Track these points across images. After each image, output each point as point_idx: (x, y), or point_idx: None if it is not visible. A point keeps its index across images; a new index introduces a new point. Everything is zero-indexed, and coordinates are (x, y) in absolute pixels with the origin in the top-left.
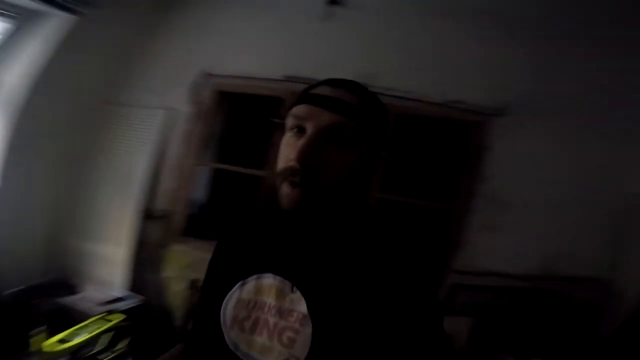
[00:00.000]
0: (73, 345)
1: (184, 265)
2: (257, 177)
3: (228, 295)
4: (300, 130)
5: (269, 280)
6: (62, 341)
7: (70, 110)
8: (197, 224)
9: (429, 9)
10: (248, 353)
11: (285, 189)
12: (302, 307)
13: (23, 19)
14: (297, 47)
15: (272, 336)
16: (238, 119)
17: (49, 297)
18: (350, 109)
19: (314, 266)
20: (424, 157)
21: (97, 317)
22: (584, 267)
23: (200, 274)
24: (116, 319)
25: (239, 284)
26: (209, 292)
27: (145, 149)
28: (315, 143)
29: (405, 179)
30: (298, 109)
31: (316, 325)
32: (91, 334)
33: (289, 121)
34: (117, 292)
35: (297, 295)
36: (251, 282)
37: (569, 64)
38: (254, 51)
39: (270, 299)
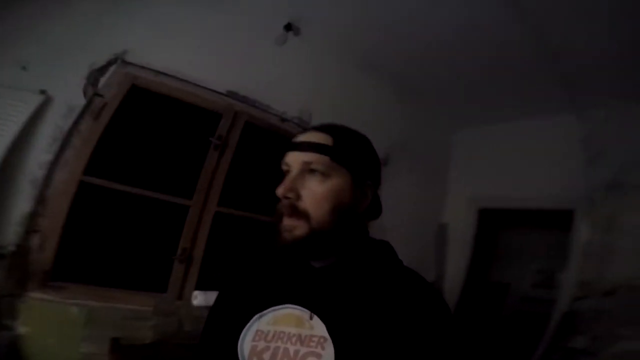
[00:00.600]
0: None
1: (59, 321)
2: (183, 208)
3: (245, 329)
4: (288, 172)
5: (287, 311)
6: None
7: None
8: (72, 264)
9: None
10: None
11: (283, 223)
12: (322, 331)
13: None
14: (246, 64)
15: None
16: (158, 128)
17: None
18: (322, 147)
19: (328, 293)
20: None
21: None
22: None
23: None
24: None
25: (256, 316)
26: (220, 329)
27: None
28: (295, 178)
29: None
30: (286, 157)
31: (337, 346)
32: None
33: (283, 167)
34: None
35: (316, 321)
36: (268, 314)
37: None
38: (197, 51)
39: (289, 328)
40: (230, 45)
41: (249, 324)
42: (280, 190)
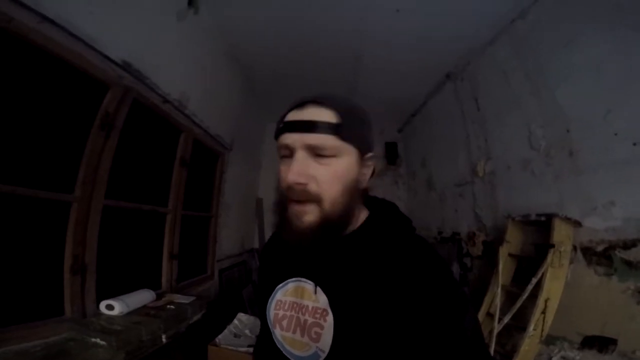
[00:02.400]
0: None
1: None
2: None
3: (270, 299)
4: (290, 154)
5: (299, 284)
6: None
7: None
8: None
9: None
10: (287, 348)
11: (291, 208)
12: (325, 303)
13: None
14: (146, 35)
15: (303, 332)
16: (27, 93)
17: None
18: (328, 126)
19: (331, 268)
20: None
21: None
22: (252, 243)
23: None
24: None
25: (277, 287)
26: (258, 299)
27: None
28: (302, 161)
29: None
30: (284, 138)
31: (336, 317)
32: None
33: (281, 151)
34: None
35: (320, 293)
36: (285, 286)
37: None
38: (93, 3)
39: (300, 300)
40: (134, 11)
41: (272, 295)
42: (291, 177)
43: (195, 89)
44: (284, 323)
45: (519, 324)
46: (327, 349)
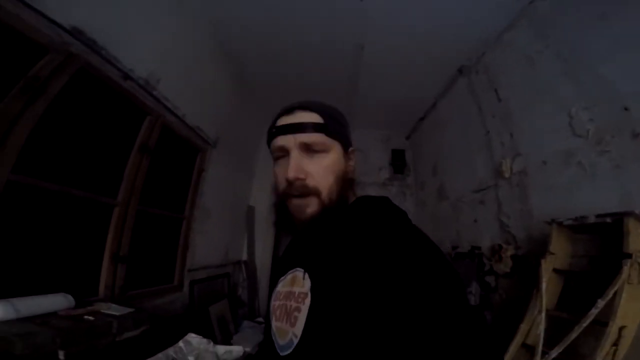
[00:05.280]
0: None
1: None
2: None
3: (274, 291)
4: (284, 155)
5: (295, 273)
6: None
7: None
8: None
9: None
10: (276, 339)
11: (292, 203)
12: (308, 288)
13: None
14: (107, 2)
15: (287, 319)
16: None
17: None
18: (317, 126)
19: (316, 255)
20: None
21: None
22: (238, 254)
23: None
24: None
25: (279, 280)
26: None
27: None
28: (299, 159)
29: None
30: (279, 141)
31: (312, 300)
32: None
33: (275, 153)
34: None
35: (307, 279)
36: (284, 278)
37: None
38: None
39: (292, 288)
40: None
41: (275, 287)
42: (291, 174)
43: (169, 71)
44: (278, 313)
45: None
46: (299, 333)
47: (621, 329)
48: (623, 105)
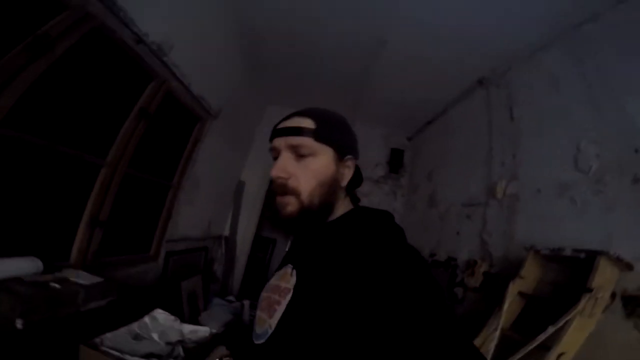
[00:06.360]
0: None
1: None
2: None
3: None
4: (278, 156)
5: (285, 269)
6: None
7: None
8: None
9: None
10: (255, 328)
11: (276, 200)
12: (293, 284)
13: None
14: None
15: (267, 310)
16: None
17: None
18: (305, 131)
19: (305, 253)
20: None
21: None
22: (220, 229)
23: None
24: None
25: (275, 273)
26: None
27: None
28: (285, 160)
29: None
30: (273, 142)
31: (293, 296)
32: None
33: (271, 153)
34: None
35: (294, 276)
36: (279, 272)
37: None
38: None
39: (280, 282)
40: None
41: (270, 279)
42: (273, 172)
43: (183, 38)
44: (263, 304)
45: None
46: (274, 325)
47: (560, 355)
48: (635, 147)
